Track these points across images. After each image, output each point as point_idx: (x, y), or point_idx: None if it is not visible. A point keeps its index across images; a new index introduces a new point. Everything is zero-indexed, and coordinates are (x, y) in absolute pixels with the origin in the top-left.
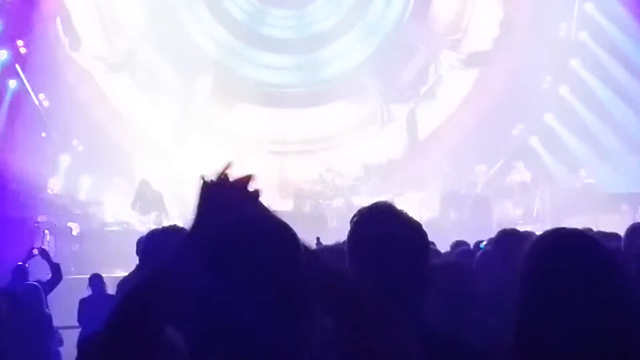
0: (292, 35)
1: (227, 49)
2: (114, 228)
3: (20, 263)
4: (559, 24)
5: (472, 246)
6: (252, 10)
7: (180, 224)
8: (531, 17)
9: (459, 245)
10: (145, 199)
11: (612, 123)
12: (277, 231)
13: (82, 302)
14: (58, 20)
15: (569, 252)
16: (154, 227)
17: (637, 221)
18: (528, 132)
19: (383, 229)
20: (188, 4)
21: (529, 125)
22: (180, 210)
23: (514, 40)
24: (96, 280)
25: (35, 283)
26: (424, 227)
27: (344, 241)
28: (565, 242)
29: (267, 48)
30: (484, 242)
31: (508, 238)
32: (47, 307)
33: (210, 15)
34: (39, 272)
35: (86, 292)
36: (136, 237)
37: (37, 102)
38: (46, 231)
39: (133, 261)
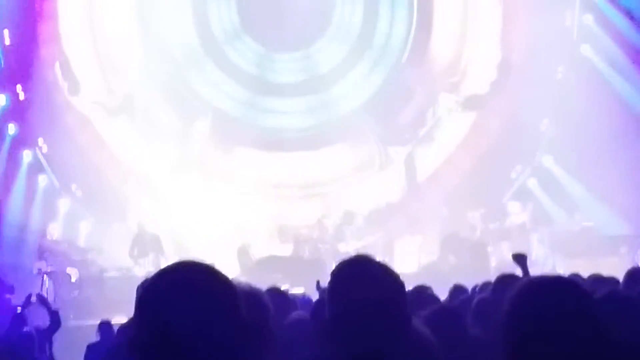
0: (290, 80)
1: (225, 93)
2: (113, 274)
3: (18, 310)
4: (557, 66)
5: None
6: (250, 56)
7: None
8: (528, 60)
9: (456, 290)
10: (142, 242)
11: (610, 165)
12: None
13: (90, 348)
14: (57, 65)
15: (551, 299)
16: (152, 269)
17: (635, 264)
18: (526, 175)
19: (360, 280)
20: (186, 48)
21: (527, 168)
22: (178, 253)
23: (511, 83)
24: (105, 328)
25: (31, 331)
26: (421, 271)
27: None
28: (548, 290)
29: (265, 92)
30: None
31: (506, 284)
32: (48, 353)
33: (208, 59)
34: (38, 318)
35: (94, 338)
36: (135, 283)
37: (36, 147)
38: (45, 277)
39: (132, 307)
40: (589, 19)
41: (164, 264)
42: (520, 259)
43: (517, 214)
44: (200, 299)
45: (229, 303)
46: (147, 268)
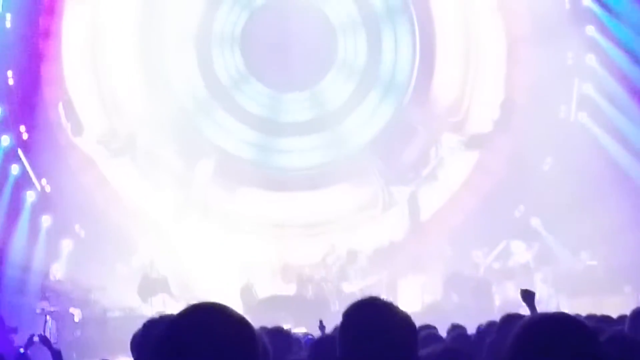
0: (293, 120)
1: (228, 133)
2: (116, 314)
3: (21, 350)
4: (559, 105)
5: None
6: (254, 96)
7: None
8: (531, 99)
9: (454, 329)
10: (150, 281)
11: (613, 203)
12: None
13: None
14: (60, 105)
15: (557, 338)
16: (160, 310)
17: None
18: (529, 214)
19: (372, 322)
20: (189, 88)
21: (530, 207)
22: (184, 293)
23: (514, 122)
24: None
25: None
26: (425, 310)
27: None
28: (554, 328)
29: (268, 132)
30: None
31: (511, 323)
32: None
33: (212, 100)
34: (41, 359)
35: None
36: (139, 323)
37: (39, 188)
38: (48, 317)
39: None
40: (591, 58)
41: (172, 303)
42: (527, 296)
43: (520, 253)
44: (221, 341)
45: (248, 346)
46: (155, 308)
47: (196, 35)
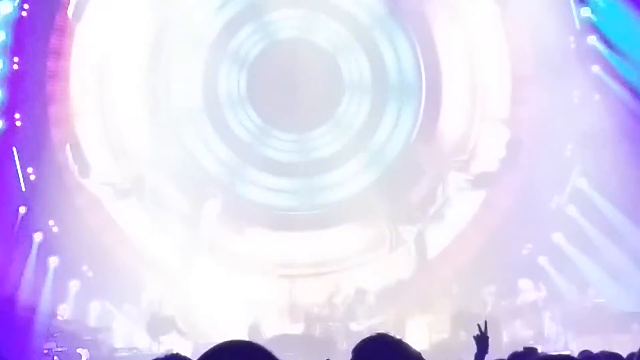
0: (300, 159)
1: (236, 173)
2: (124, 354)
3: None
4: (566, 144)
5: None
6: (259, 134)
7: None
8: (537, 138)
9: None
10: (159, 320)
11: (621, 242)
12: None
13: None
14: (68, 147)
15: None
16: (169, 348)
17: None
18: (537, 252)
19: (383, 358)
20: (195, 129)
21: (537, 245)
22: (192, 332)
23: (521, 160)
24: None
25: None
26: (433, 349)
27: None
28: None
29: (275, 172)
30: None
31: None
32: None
33: (219, 140)
34: None
35: None
36: None
37: (46, 229)
38: (55, 358)
39: None
40: (596, 97)
41: (180, 342)
42: (480, 340)
43: (528, 291)
44: None
45: None
46: (163, 346)
47: (206, 58)
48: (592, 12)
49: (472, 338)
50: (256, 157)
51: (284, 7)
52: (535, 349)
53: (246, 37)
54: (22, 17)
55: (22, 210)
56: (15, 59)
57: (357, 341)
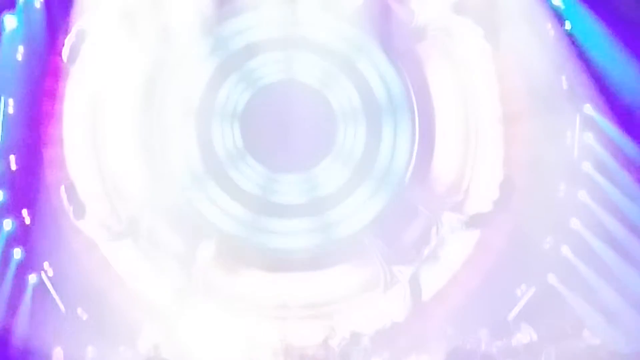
0: (295, 201)
1: (230, 216)
2: None
3: None
4: (559, 184)
5: None
6: (254, 177)
7: None
8: (530, 178)
9: None
10: None
11: (615, 282)
12: None
13: None
14: (62, 189)
15: None
16: None
17: None
18: (531, 293)
19: None
20: (190, 171)
21: (531, 286)
22: None
23: (514, 201)
24: None
25: None
26: None
27: None
28: None
29: (269, 213)
30: None
31: None
32: None
33: (213, 183)
34: None
35: None
36: None
37: (41, 271)
38: None
39: None
40: (589, 137)
41: None
42: None
43: (523, 331)
44: None
45: None
46: None
47: (197, 113)
48: (584, 52)
49: None
50: (250, 198)
51: (265, 51)
52: None
53: (232, 87)
54: (16, 59)
55: (17, 252)
56: (10, 102)
57: None
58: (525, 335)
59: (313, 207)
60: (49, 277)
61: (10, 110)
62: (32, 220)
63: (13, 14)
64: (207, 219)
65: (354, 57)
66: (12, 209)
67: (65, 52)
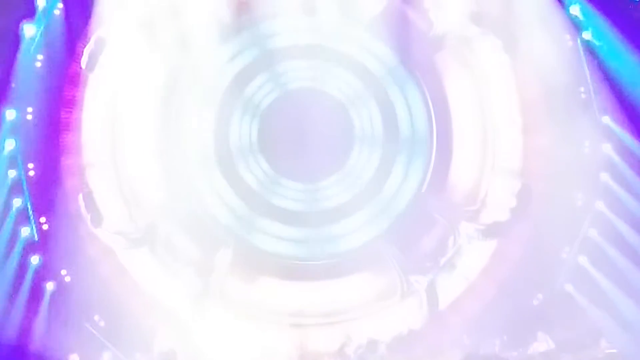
0: (311, 208)
1: (248, 223)
2: None
3: None
4: (576, 194)
5: None
6: (266, 180)
7: None
8: (548, 188)
9: None
10: None
11: (633, 292)
12: None
13: None
14: (80, 196)
15: None
16: None
17: None
18: (548, 302)
19: None
20: (207, 179)
21: (548, 295)
22: None
23: (531, 210)
24: None
25: None
26: None
27: None
28: None
29: (287, 222)
30: None
31: None
32: None
33: (231, 190)
34: None
35: None
36: None
37: (58, 278)
38: None
39: None
40: (607, 147)
41: None
42: None
43: (540, 341)
44: None
45: None
46: None
47: (215, 121)
48: (602, 62)
49: None
50: (268, 206)
51: (296, 58)
52: None
53: (259, 87)
54: (35, 67)
55: (35, 259)
56: (29, 109)
57: None
58: (542, 344)
59: (330, 215)
60: (66, 284)
61: (29, 117)
62: (49, 227)
63: (32, 23)
64: (223, 225)
65: (385, 80)
66: (31, 216)
67: (84, 60)
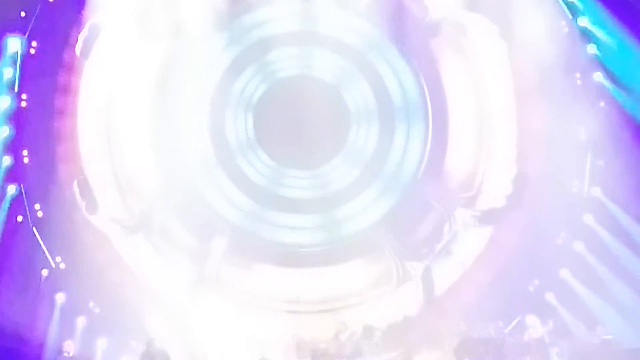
0: (307, 196)
1: (243, 210)
2: None
3: None
4: (572, 180)
5: None
6: (268, 172)
7: None
8: (544, 174)
9: None
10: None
11: (628, 278)
12: None
13: None
14: (75, 183)
15: None
16: None
17: None
18: (544, 288)
19: None
20: (204, 166)
21: (544, 281)
22: None
23: (527, 196)
24: None
25: None
26: None
27: None
28: None
29: (283, 209)
30: None
31: None
32: None
33: (227, 178)
34: None
35: None
36: None
37: (53, 265)
38: None
39: None
40: (602, 132)
41: None
42: None
43: (535, 327)
44: None
45: None
46: None
47: (210, 107)
48: (598, 49)
49: None
50: (264, 194)
51: (283, 45)
52: None
53: (249, 79)
54: (30, 54)
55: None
56: (24, 96)
57: None
58: (537, 331)
59: (326, 202)
60: (61, 271)
61: (24, 104)
62: (44, 214)
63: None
64: (219, 213)
65: (371, 55)
66: (25, 202)
67: (78, 47)
